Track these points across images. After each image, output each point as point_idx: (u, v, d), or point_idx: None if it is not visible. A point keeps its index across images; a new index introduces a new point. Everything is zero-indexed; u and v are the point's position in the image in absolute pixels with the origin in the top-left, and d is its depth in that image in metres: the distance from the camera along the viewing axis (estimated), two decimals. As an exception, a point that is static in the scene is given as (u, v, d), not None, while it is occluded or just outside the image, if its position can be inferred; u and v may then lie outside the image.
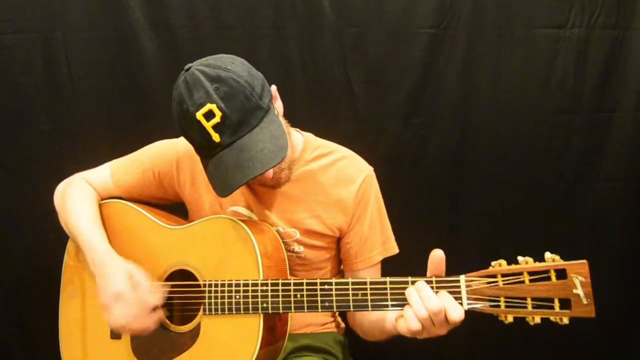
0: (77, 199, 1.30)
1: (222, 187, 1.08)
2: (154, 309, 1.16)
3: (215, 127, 1.05)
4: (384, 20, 1.71)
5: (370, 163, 1.34)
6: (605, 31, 1.73)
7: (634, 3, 1.72)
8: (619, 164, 1.79)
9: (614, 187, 1.81)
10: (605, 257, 1.81)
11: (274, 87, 1.17)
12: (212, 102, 1.04)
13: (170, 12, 1.69)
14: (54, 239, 1.33)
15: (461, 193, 1.81)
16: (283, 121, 1.17)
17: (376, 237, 1.31)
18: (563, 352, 1.87)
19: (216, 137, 1.05)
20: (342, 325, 1.46)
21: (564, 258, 0.97)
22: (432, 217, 1.82)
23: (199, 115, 1.04)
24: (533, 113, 1.77)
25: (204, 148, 1.10)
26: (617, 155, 1.79)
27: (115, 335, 1.25)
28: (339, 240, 1.33)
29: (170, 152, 1.32)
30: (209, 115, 1.04)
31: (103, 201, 1.33)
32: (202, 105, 1.04)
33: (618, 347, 1.88)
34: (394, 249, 1.34)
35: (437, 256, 1.02)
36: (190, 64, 1.10)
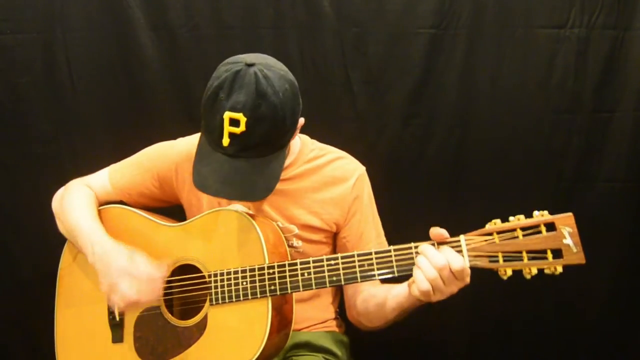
0: (76, 199, 1.31)
1: (200, 182, 1.11)
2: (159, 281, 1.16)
3: (231, 135, 1.06)
4: (384, 20, 1.71)
5: (370, 163, 1.36)
6: (605, 31, 1.73)
7: (634, 3, 1.72)
8: (619, 164, 1.79)
9: (614, 187, 1.80)
10: (605, 257, 1.81)
11: (301, 121, 1.19)
12: (245, 115, 1.05)
13: (170, 12, 1.69)
14: (54, 239, 1.33)
15: (461, 193, 1.81)
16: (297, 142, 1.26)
17: (370, 231, 1.35)
18: (563, 352, 1.87)
19: (226, 142, 1.07)
20: (343, 325, 1.46)
21: None
22: (432, 217, 1.81)
23: (227, 115, 1.05)
24: (533, 113, 1.77)
25: (211, 136, 1.11)
26: (617, 155, 1.79)
27: (117, 339, 1.24)
28: (335, 236, 1.36)
29: (169, 154, 1.33)
30: (235, 122, 1.05)
31: (101, 207, 1.34)
32: (235, 110, 1.05)
33: (618, 347, 1.88)
34: (385, 244, 1.37)
35: (436, 233, 1.08)
36: (253, 60, 1.08)
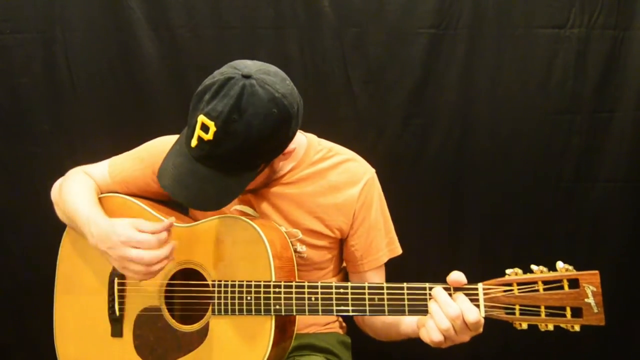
0: (75, 185, 1.28)
1: (161, 172, 1.10)
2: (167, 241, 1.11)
3: (199, 138, 1.03)
4: (384, 20, 1.71)
5: (370, 163, 1.34)
6: (605, 31, 1.73)
7: (634, 3, 1.72)
8: (619, 164, 1.79)
9: (614, 187, 1.80)
10: (605, 256, 1.81)
11: (290, 147, 1.13)
12: (216, 126, 1.01)
13: (170, 12, 1.69)
14: (54, 238, 1.32)
15: (461, 193, 1.81)
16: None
17: (381, 239, 1.31)
18: (563, 352, 1.87)
19: (193, 143, 1.04)
20: (345, 325, 1.46)
21: (565, 259, 0.99)
22: (432, 217, 1.82)
23: (201, 118, 1.02)
24: (533, 113, 1.77)
25: (187, 131, 1.08)
26: (617, 155, 1.79)
27: (116, 333, 1.24)
28: (341, 241, 1.33)
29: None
30: (205, 128, 1.02)
31: (103, 195, 1.31)
32: (209, 116, 1.01)
33: (618, 347, 1.88)
34: (398, 250, 1.34)
35: (454, 280, 1.02)
36: (253, 72, 1.03)
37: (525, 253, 1.78)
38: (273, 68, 1.09)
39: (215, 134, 1.01)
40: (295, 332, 1.22)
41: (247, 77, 1.02)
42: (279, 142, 1.09)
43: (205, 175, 1.06)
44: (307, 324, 1.35)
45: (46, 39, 1.69)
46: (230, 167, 1.07)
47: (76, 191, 1.27)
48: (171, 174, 1.08)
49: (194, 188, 1.07)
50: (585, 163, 1.80)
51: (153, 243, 1.08)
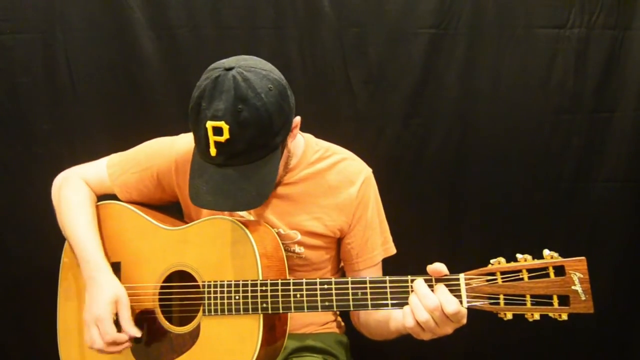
0: (73, 201, 1.29)
1: (194, 195, 1.10)
2: (128, 340, 1.17)
3: (217, 144, 1.04)
4: (384, 20, 1.71)
5: (370, 163, 1.35)
6: (605, 31, 1.73)
7: (634, 3, 1.72)
8: (619, 164, 1.80)
9: (614, 187, 1.81)
10: (605, 256, 1.81)
11: (297, 119, 1.16)
12: (227, 123, 1.02)
13: (170, 12, 1.69)
14: (54, 239, 1.32)
15: (461, 193, 1.81)
16: (295, 144, 1.22)
17: (376, 238, 1.32)
18: (563, 352, 1.87)
19: (213, 152, 1.05)
20: (343, 325, 1.46)
21: (563, 256, 0.98)
22: (432, 217, 1.82)
23: (209, 124, 1.03)
24: (533, 113, 1.77)
25: (200, 147, 1.09)
26: (617, 155, 1.79)
27: None
28: (339, 241, 1.33)
29: (169, 152, 1.30)
30: (218, 131, 1.03)
31: (100, 203, 1.33)
32: (216, 118, 1.02)
33: (617, 347, 1.88)
34: (392, 250, 1.35)
35: (434, 270, 1.03)
36: (233, 63, 1.05)
37: (525, 253, 1.77)
38: (245, 55, 1.12)
39: (230, 130, 1.02)
40: (287, 332, 1.22)
41: (230, 69, 1.04)
42: (286, 115, 1.10)
43: (238, 176, 1.07)
44: (305, 323, 1.35)
45: (46, 39, 1.69)
46: (256, 156, 1.08)
47: (74, 212, 1.28)
48: (205, 191, 1.08)
49: (233, 192, 1.07)
50: (585, 163, 1.80)
51: (110, 342, 1.14)
